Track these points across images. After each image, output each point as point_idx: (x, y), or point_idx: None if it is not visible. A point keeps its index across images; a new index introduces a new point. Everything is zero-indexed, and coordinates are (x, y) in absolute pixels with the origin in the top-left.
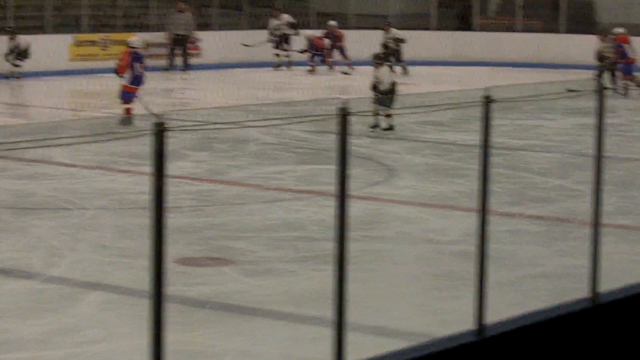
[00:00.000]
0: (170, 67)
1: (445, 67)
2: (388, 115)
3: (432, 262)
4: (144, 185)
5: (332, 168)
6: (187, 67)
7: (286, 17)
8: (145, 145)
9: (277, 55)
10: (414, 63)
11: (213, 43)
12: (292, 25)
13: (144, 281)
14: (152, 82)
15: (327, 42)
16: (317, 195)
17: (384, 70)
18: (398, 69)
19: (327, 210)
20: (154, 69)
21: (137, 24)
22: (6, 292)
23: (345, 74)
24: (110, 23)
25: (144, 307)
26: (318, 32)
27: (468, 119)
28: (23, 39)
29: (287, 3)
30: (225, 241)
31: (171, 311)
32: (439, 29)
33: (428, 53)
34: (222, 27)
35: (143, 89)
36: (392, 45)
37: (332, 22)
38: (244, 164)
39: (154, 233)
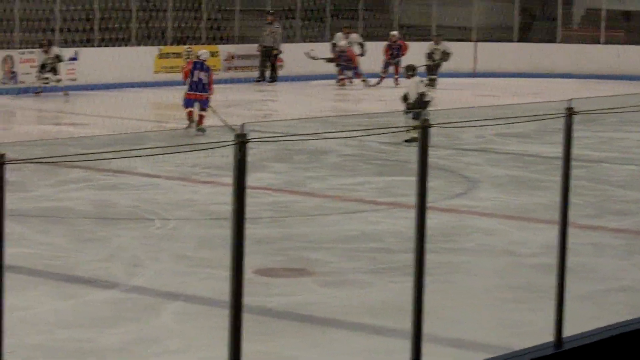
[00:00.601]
0: (261, 79)
1: (527, 79)
2: (414, 128)
3: (511, 275)
4: (225, 196)
5: (411, 180)
6: (274, 78)
7: (355, 37)
8: (226, 157)
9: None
10: (495, 75)
11: (296, 54)
12: (361, 45)
13: (224, 292)
14: (239, 93)
15: (356, 53)
16: (395, 207)
17: (413, 81)
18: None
19: (405, 222)
20: (245, 80)
21: (223, 36)
22: (88, 302)
23: (369, 85)
24: (195, 35)
25: (224, 317)
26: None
27: (550, 131)
28: (68, 51)
29: (369, 15)
30: (303, 252)
31: (250, 322)
32: (521, 41)
33: (510, 65)
34: (305, 38)
35: (210, 98)
36: (437, 57)
37: (394, 33)
38: (322, 176)
39: (234, 244)
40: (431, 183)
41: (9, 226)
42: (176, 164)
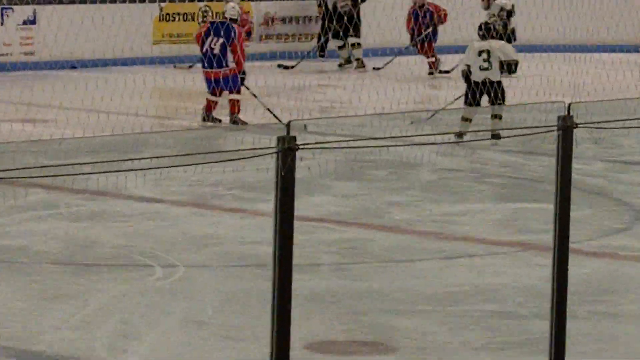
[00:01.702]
0: (322, 54)
1: None
2: (495, 117)
3: None
4: (262, 231)
5: (546, 208)
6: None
7: None
8: (264, 171)
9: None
10: None
11: (372, 16)
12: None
13: None
14: (282, 76)
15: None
16: (523, 248)
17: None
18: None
19: (540, 272)
20: (294, 55)
21: None
22: None
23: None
24: None
25: None
26: None
27: None
28: None
29: None
30: (383, 317)
31: None
32: None
33: None
34: None
35: (238, 75)
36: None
37: None
38: (411, 200)
39: (275, 303)
40: (576, 213)
41: None
42: (188, 182)
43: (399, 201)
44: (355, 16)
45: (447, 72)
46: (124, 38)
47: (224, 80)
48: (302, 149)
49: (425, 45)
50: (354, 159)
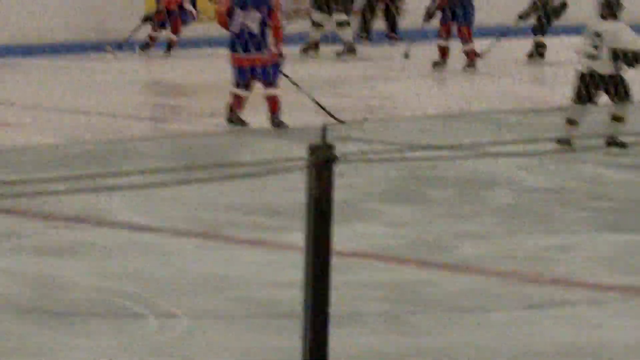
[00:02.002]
0: (364, 35)
1: None
2: (614, 119)
3: None
4: (289, 271)
5: None
6: (393, 36)
7: None
8: (291, 191)
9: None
10: None
11: None
12: None
13: None
14: (317, 65)
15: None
16: (638, 294)
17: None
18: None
19: None
20: (331, 39)
21: None
22: None
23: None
24: None
25: None
26: None
27: None
28: None
29: None
30: None
31: None
32: None
33: None
34: None
35: (280, 60)
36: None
37: None
38: (485, 230)
39: None
40: None
41: None
42: (192, 205)
43: (469, 231)
44: None
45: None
46: (106, 13)
47: (263, 69)
48: (343, 161)
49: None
50: (410, 175)
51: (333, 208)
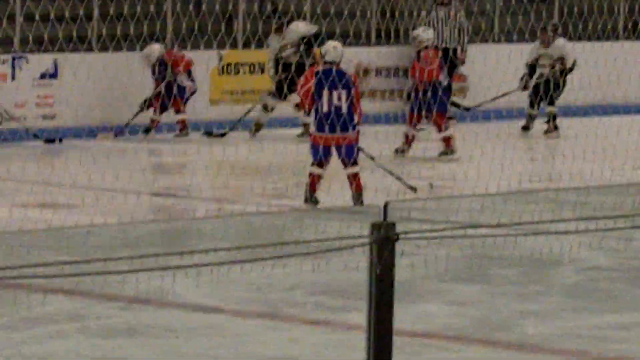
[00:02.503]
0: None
1: None
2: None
3: None
4: (351, 351)
5: None
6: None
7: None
8: (353, 270)
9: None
10: None
11: (493, 70)
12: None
13: None
14: (378, 142)
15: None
16: None
17: None
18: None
19: None
20: (392, 119)
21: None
22: None
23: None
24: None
25: None
26: None
27: None
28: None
29: None
30: None
31: None
32: None
33: None
34: (509, 34)
35: (358, 137)
36: (544, 65)
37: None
38: (550, 309)
39: None
40: None
41: None
42: (255, 285)
43: (533, 310)
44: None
45: (467, 109)
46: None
47: (348, 147)
48: (405, 238)
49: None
50: (472, 254)
51: (395, 286)
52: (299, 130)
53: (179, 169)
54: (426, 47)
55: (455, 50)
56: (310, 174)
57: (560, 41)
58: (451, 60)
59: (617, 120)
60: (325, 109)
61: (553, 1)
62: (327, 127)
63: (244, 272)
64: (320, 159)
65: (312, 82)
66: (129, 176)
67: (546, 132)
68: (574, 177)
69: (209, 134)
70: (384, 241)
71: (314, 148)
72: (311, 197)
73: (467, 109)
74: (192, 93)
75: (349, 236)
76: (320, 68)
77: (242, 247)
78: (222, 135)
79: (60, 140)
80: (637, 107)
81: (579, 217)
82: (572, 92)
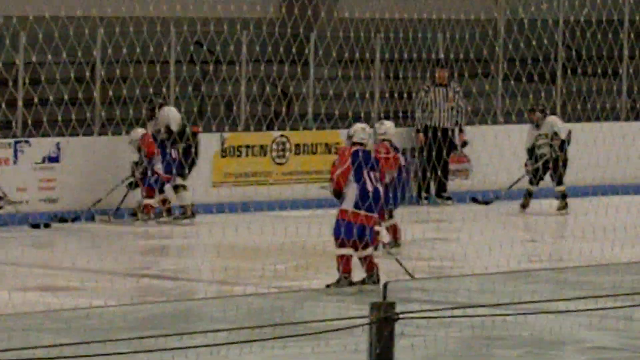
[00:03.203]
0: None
1: None
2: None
3: None
4: None
5: None
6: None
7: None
8: (356, 352)
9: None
10: None
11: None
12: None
13: None
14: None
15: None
16: None
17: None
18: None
19: None
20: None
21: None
22: None
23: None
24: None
25: None
26: None
27: None
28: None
29: None
30: None
31: None
32: None
33: None
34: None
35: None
36: (543, 146)
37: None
38: None
39: None
40: None
41: None
42: None
43: None
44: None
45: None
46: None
47: (371, 229)
48: (404, 318)
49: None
50: (473, 334)
51: None
52: (299, 212)
53: (179, 251)
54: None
55: (453, 131)
56: (341, 256)
57: (550, 118)
58: (450, 141)
59: (616, 200)
60: (366, 187)
61: (554, 81)
62: (365, 206)
63: (243, 353)
64: (350, 239)
65: (346, 161)
66: (129, 258)
67: (559, 208)
68: (573, 256)
69: None
70: (383, 321)
71: (347, 226)
72: (348, 280)
73: (487, 203)
74: (168, 180)
75: (348, 317)
76: (353, 146)
77: (241, 328)
78: None
79: (47, 225)
80: (635, 187)
81: (579, 297)
82: (571, 173)
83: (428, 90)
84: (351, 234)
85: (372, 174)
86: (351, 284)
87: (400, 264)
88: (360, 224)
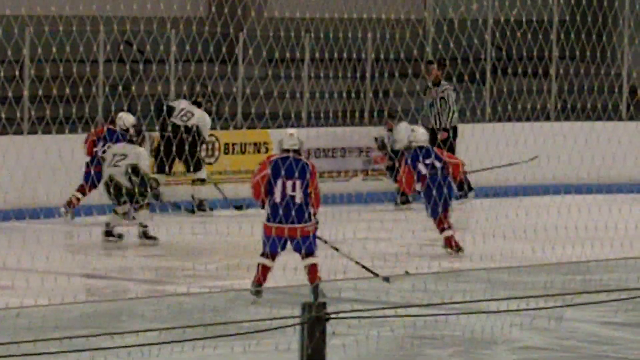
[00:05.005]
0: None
1: None
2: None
3: None
4: None
5: None
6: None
7: None
8: (287, 352)
9: None
10: None
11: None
12: None
13: None
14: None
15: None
16: None
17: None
18: None
19: None
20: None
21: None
22: None
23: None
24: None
25: None
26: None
27: None
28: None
29: None
30: None
31: None
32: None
33: None
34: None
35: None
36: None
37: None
38: None
39: None
40: None
41: None
42: None
43: None
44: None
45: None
46: None
47: (304, 239)
48: (335, 318)
49: None
50: (405, 334)
51: None
52: (229, 211)
53: (110, 250)
54: None
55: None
56: (263, 266)
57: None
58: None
59: (546, 199)
60: (276, 197)
61: (484, 81)
62: (281, 217)
63: (175, 352)
64: (270, 251)
65: (264, 172)
66: (60, 258)
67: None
68: (504, 256)
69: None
70: (314, 321)
71: (267, 238)
72: (259, 289)
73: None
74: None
75: (280, 316)
76: (273, 157)
77: (172, 328)
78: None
79: None
80: (566, 187)
81: (510, 297)
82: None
83: (425, 90)
84: (266, 246)
85: (290, 182)
86: (257, 293)
87: (360, 264)
88: (276, 235)
